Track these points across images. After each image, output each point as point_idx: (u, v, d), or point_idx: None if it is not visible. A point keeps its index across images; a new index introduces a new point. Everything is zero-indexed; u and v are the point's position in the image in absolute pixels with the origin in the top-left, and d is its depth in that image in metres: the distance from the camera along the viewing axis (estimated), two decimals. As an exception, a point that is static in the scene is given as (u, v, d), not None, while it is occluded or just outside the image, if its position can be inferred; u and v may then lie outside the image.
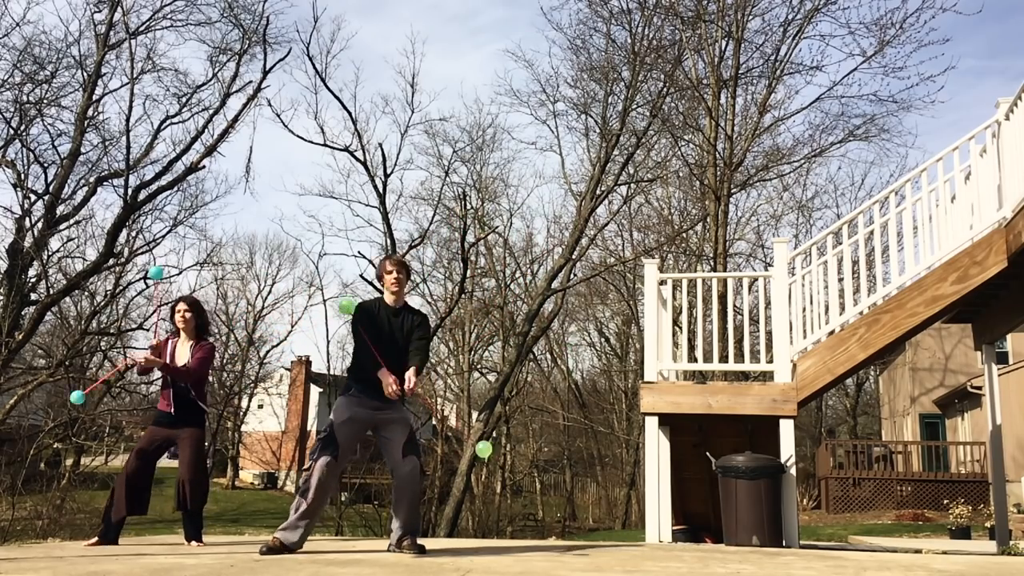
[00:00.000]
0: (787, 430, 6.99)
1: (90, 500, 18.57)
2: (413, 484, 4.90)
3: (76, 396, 5.62)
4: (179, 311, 5.64)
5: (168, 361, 5.57)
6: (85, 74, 19.32)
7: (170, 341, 5.70)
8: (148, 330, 20.52)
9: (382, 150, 19.13)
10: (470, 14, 76.31)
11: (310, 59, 19.28)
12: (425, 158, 45.47)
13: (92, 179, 19.66)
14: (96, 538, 5.45)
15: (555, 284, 20.09)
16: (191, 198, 25.96)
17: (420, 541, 4.85)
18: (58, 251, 20.11)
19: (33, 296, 18.46)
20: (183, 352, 5.62)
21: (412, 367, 4.85)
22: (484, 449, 4.76)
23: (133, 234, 19.58)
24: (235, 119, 18.91)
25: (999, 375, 8.87)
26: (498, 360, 32.94)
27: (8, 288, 17.46)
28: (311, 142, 19.28)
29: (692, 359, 8.26)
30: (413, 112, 33.63)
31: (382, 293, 5.12)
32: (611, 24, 19.21)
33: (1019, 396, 18.01)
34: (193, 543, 5.50)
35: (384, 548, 5.12)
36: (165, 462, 6.46)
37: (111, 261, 18.55)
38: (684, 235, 22.25)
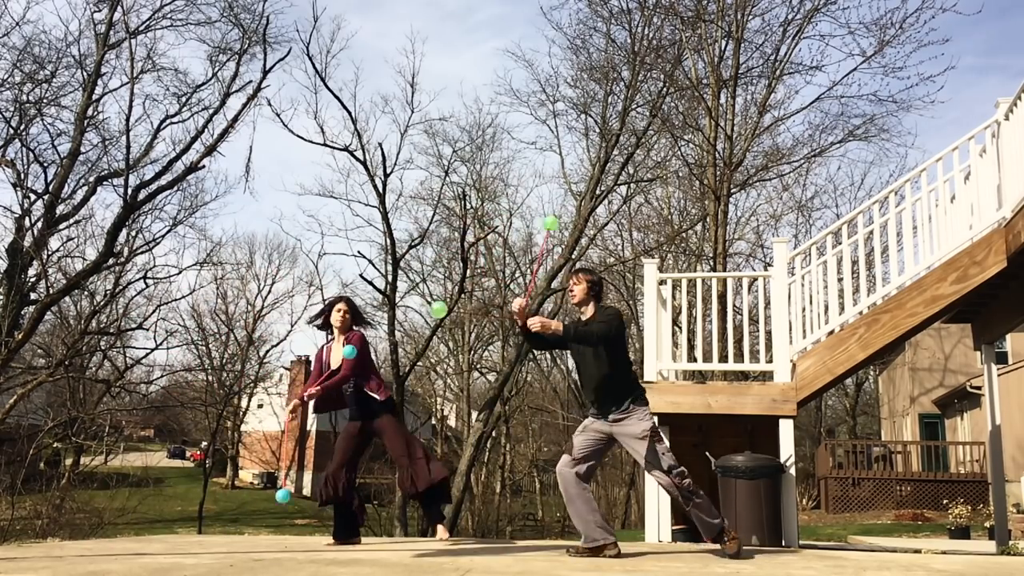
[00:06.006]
0: (787, 430, 6.99)
1: (90, 500, 18.55)
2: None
3: (282, 495, 5.09)
4: (339, 310, 5.65)
5: (326, 360, 5.58)
6: (85, 74, 19.35)
7: (325, 346, 5.69)
8: (147, 328, 20.45)
9: (382, 150, 19.15)
10: (467, 11, 76.38)
11: (310, 59, 19.34)
12: (425, 158, 45.48)
13: (92, 179, 19.70)
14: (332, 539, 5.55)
15: (555, 284, 20.09)
16: (191, 198, 26.16)
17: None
18: (58, 251, 20.14)
19: (33, 296, 18.47)
20: (337, 349, 5.59)
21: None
22: (439, 309, 4.74)
23: (133, 234, 19.61)
24: (235, 119, 18.91)
25: (999, 375, 8.88)
26: (498, 360, 32.95)
27: (8, 288, 17.46)
28: (311, 142, 19.32)
29: (692, 359, 8.26)
30: (413, 112, 33.78)
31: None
32: (611, 24, 19.22)
33: (1019, 396, 18.01)
34: (439, 528, 5.63)
35: (384, 548, 5.11)
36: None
37: (111, 261, 18.55)
38: (684, 235, 22.24)
